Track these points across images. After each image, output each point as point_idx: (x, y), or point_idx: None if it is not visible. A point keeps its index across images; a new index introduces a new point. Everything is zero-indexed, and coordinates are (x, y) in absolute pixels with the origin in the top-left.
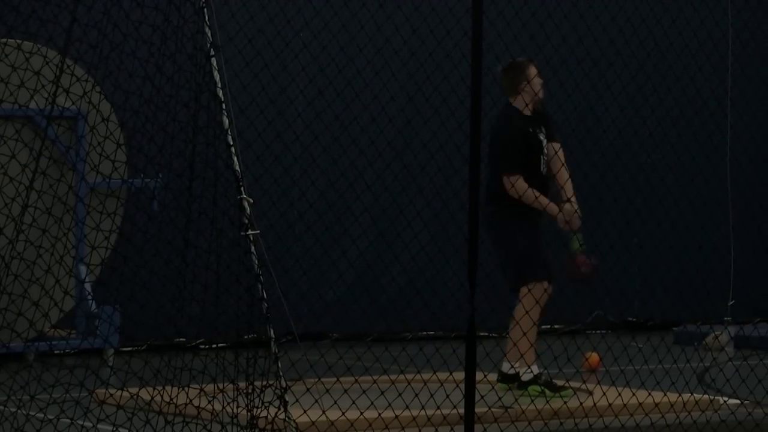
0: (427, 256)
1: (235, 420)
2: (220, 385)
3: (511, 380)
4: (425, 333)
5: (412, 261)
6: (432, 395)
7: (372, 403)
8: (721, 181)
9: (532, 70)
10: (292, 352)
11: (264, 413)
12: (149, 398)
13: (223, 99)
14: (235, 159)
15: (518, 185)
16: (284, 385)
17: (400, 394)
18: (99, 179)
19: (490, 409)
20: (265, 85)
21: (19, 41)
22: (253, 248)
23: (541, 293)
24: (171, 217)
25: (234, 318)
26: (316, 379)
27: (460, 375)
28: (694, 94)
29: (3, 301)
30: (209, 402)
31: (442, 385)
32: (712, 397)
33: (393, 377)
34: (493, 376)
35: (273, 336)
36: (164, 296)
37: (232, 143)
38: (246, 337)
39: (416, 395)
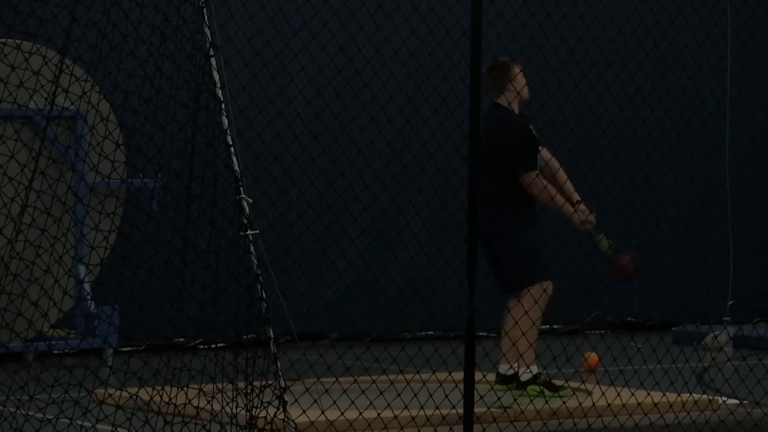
0: (426, 256)
1: (234, 420)
2: (219, 385)
3: (509, 381)
4: (424, 333)
5: (411, 261)
6: (431, 395)
7: (371, 403)
8: (720, 181)
9: (517, 70)
10: (291, 352)
11: (263, 413)
12: (148, 398)
13: (222, 99)
14: (234, 159)
15: (537, 182)
16: (283, 385)
17: (399, 394)
18: (98, 179)
19: (489, 409)
20: (264, 85)
21: (18, 41)
22: (252, 248)
23: (542, 293)
24: (170, 217)
25: (233, 318)
26: (315, 379)
27: (459, 375)
28: (693, 94)
29: (2, 301)
30: (208, 402)
31: (441, 385)
32: (711, 397)
33: (392, 377)
34: (492, 376)
35: (272, 336)
36: (163, 296)
37: (231, 143)
38: (245, 337)
39: (415, 395)
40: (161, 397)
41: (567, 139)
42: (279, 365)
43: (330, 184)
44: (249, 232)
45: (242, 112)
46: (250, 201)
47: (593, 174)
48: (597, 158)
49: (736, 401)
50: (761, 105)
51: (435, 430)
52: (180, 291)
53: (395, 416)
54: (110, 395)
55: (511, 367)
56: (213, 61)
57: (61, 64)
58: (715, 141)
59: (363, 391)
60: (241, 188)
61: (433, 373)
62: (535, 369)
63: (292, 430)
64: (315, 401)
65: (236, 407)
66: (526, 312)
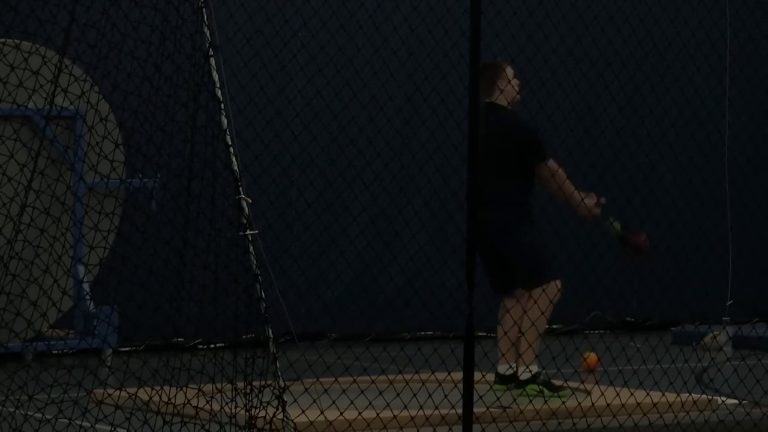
0: (425, 256)
1: (233, 420)
2: (219, 385)
3: (509, 381)
4: (423, 333)
5: (410, 261)
6: (430, 395)
7: (370, 403)
8: (719, 180)
9: (510, 71)
10: (290, 352)
11: (262, 413)
12: (147, 398)
13: (221, 99)
14: (234, 159)
15: (560, 172)
16: (282, 385)
17: (398, 394)
18: (97, 179)
19: (488, 409)
20: (263, 85)
21: (17, 41)
22: (251, 248)
23: (555, 292)
24: (169, 217)
25: (232, 318)
26: (315, 379)
27: (458, 375)
28: (692, 94)
29: (1, 301)
30: (207, 402)
31: (440, 385)
32: (710, 397)
33: (391, 377)
34: (491, 376)
35: (271, 336)
36: (162, 296)
37: (230, 143)
38: (244, 337)
39: (414, 395)
40: (160, 397)
41: (566, 139)
42: (278, 365)
43: (329, 184)
44: (248, 232)
45: (241, 112)
46: (250, 201)
47: (592, 174)
48: (596, 158)
49: (735, 401)
50: (760, 105)
51: (434, 430)
52: (179, 291)
53: (394, 416)
54: (109, 395)
55: (510, 366)
56: (212, 61)
57: (61, 63)
58: (714, 141)
59: (362, 391)
60: (241, 188)
61: (433, 373)
62: (534, 368)
63: (292, 430)
64: (314, 401)
65: (235, 407)
66: (542, 312)
